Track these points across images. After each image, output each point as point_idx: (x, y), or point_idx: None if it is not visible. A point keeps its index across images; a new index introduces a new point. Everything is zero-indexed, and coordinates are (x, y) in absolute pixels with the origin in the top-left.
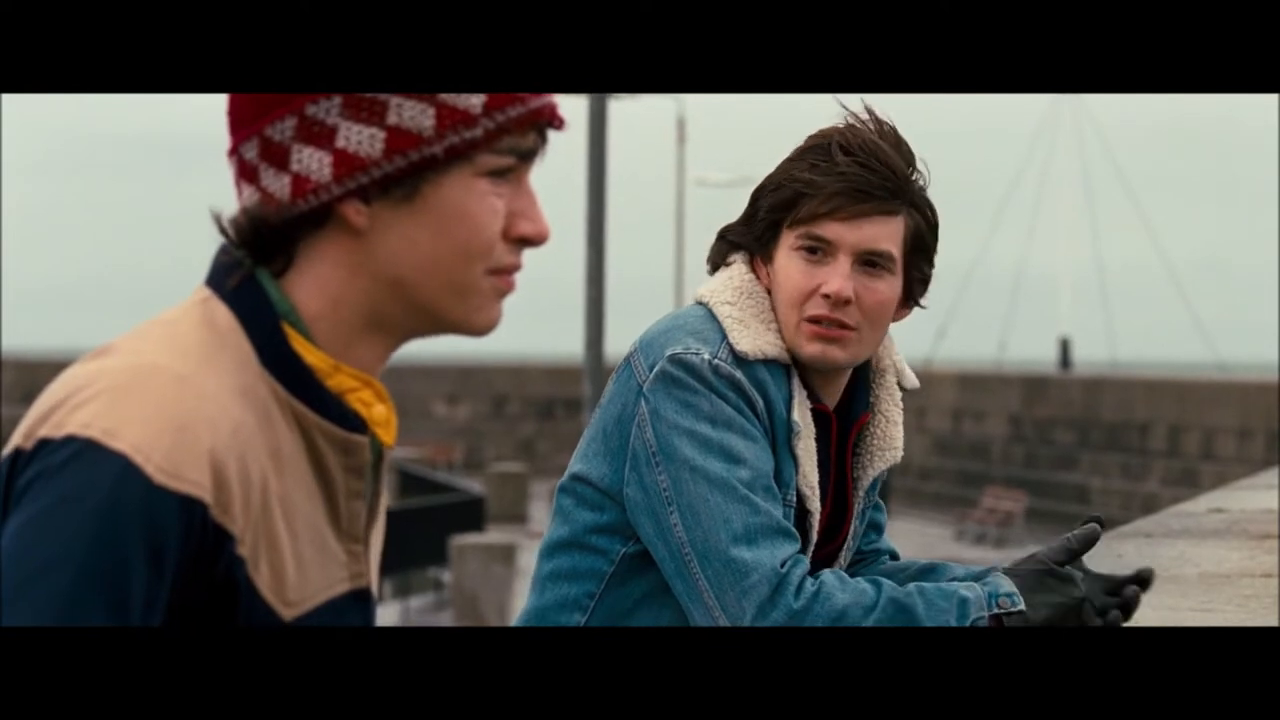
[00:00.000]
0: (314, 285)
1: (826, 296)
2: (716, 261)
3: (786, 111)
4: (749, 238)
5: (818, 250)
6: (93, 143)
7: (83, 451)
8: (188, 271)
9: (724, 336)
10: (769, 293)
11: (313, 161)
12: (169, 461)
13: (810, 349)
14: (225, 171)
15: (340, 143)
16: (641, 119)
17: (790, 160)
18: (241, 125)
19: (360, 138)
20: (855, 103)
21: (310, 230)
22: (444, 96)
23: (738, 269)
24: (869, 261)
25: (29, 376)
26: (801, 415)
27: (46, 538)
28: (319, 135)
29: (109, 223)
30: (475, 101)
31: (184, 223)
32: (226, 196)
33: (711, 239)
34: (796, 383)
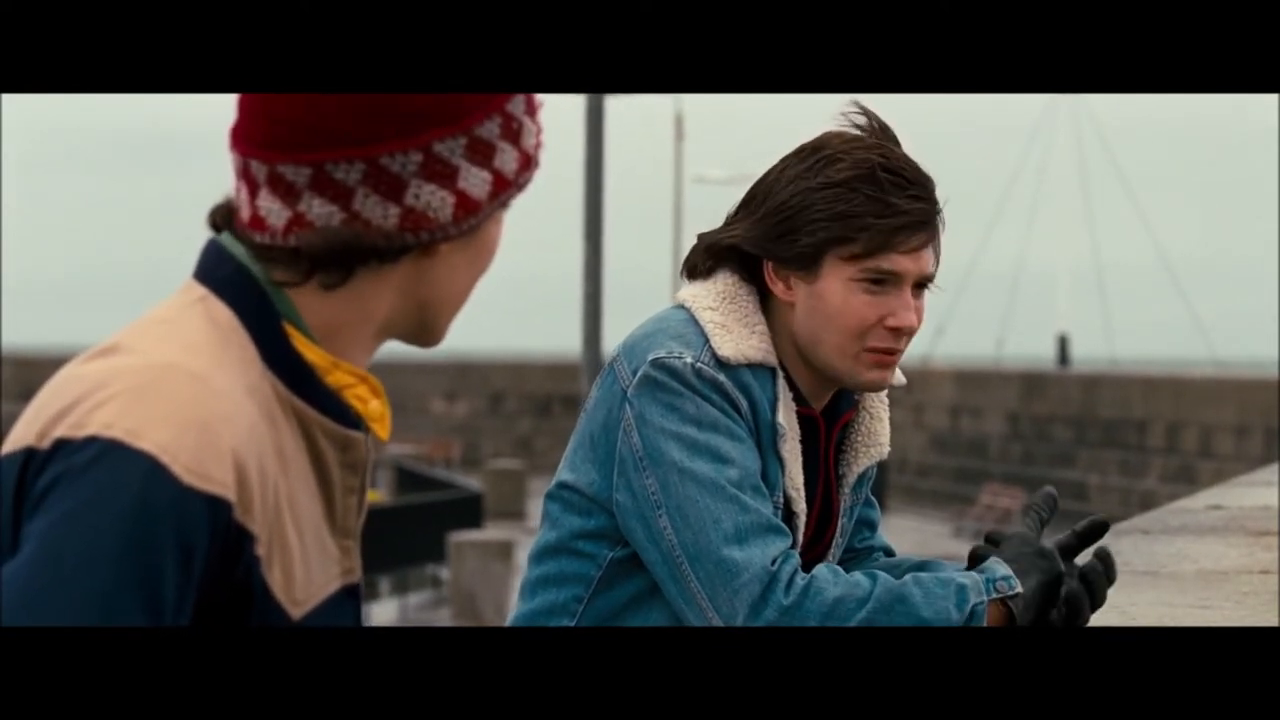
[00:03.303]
0: (357, 300)
1: (895, 329)
2: (697, 268)
3: (786, 109)
4: (788, 254)
5: (883, 282)
6: (89, 138)
7: (107, 452)
8: (186, 267)
9: (706, 340)
10: (763, 298)
11: (434, 199)
12: (195, 462)
13: (872, 376)
14: (222, 167)
15: (461, 184)
16: (639, 116)
17: (830, 186)
18: (339, 143)
19: (477, 180)
20: (857, 112)
21: (391, 256)
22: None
23: (723, 276)
24: (921, 284)
25: (27, 373)
26: (786, 417)
27: (78, 539)
28: (443, 175)
29: (106, 219)
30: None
31: (181, 218)
32: (222, 192)
33: None
34: (782, 385)
